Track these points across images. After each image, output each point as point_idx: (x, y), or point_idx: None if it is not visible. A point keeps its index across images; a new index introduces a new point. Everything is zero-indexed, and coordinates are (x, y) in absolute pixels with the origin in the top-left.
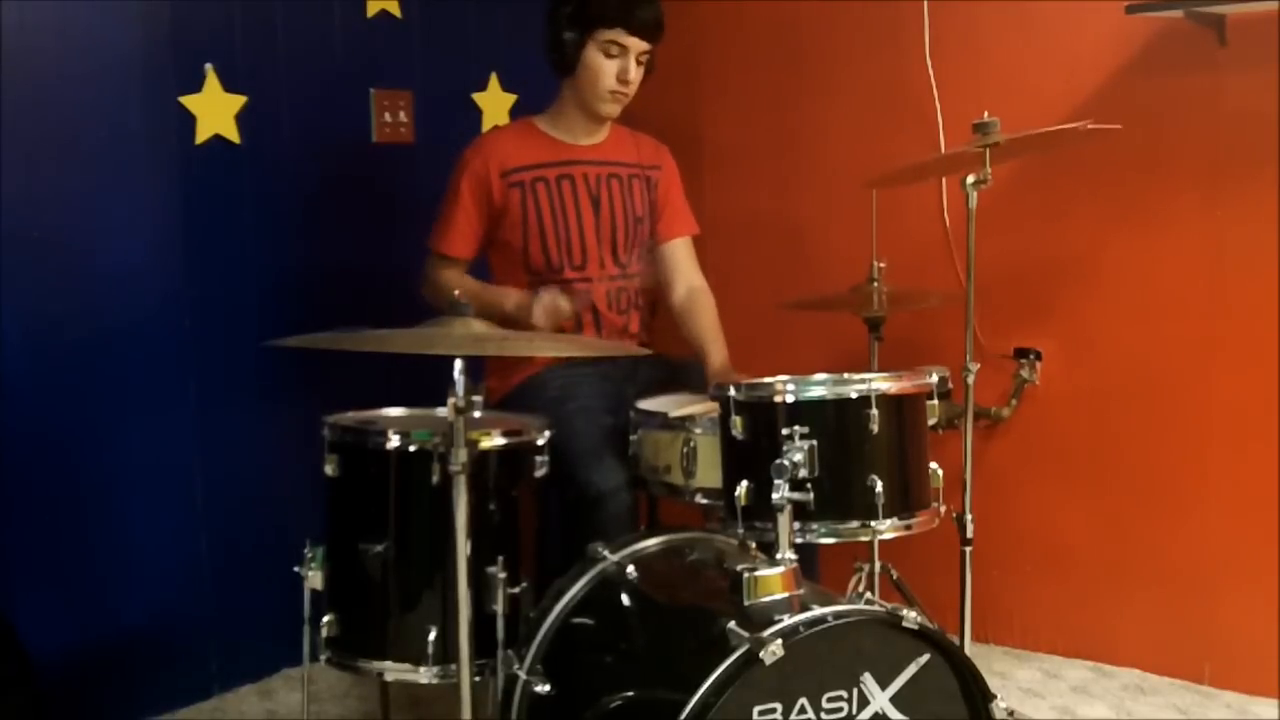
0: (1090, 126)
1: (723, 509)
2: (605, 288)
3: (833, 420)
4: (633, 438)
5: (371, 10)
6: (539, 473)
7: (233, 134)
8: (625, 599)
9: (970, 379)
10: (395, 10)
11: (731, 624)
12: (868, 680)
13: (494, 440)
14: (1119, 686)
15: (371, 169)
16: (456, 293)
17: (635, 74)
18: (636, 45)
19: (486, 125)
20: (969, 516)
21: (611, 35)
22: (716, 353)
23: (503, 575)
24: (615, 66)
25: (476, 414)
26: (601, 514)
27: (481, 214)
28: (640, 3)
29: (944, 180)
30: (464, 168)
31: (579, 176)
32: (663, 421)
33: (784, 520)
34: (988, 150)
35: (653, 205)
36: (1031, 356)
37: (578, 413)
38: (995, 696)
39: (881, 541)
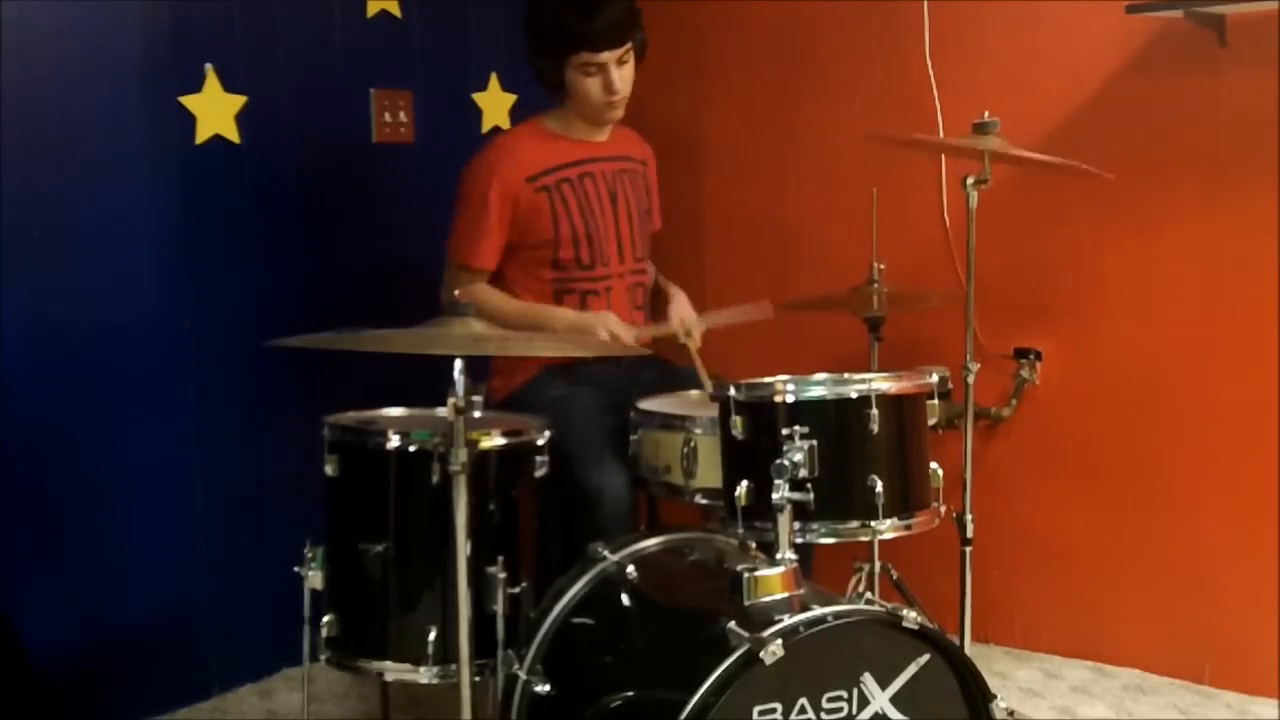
0: (1084, 168)
1: (723, 509)
2: (626, 283)
3: (833, 420)
4: (633, 438)
5: (371, 10)
6: (539, 473)
7: (233, 134)
8: (625, 599)
9: (970, 379)
10: (395, 10)
11: (731, 624)
12: (868, 680)
13: (494, 440)
14: (1119, 686)
15: (371, 169)
16: (457, 292)
17: (620, 80)
18: (610, 56)
19: (486, 125)
20: (969, 516)
21: (583, 58)
22: (677, 289)
23: (503, 575)
24: (598, 83)
25: (476, 414)
26: (601, 514)
27: (508, 223)
28: (596, 17)
29: (944, 180)
30: (488, 176)
31: (597, 173)
32: (663, 421)
33: (784, 520)
34: (987, 151)
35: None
36: (1031, 356)
37: (579, 413)
38: (995, 696)
39: (881, 541)
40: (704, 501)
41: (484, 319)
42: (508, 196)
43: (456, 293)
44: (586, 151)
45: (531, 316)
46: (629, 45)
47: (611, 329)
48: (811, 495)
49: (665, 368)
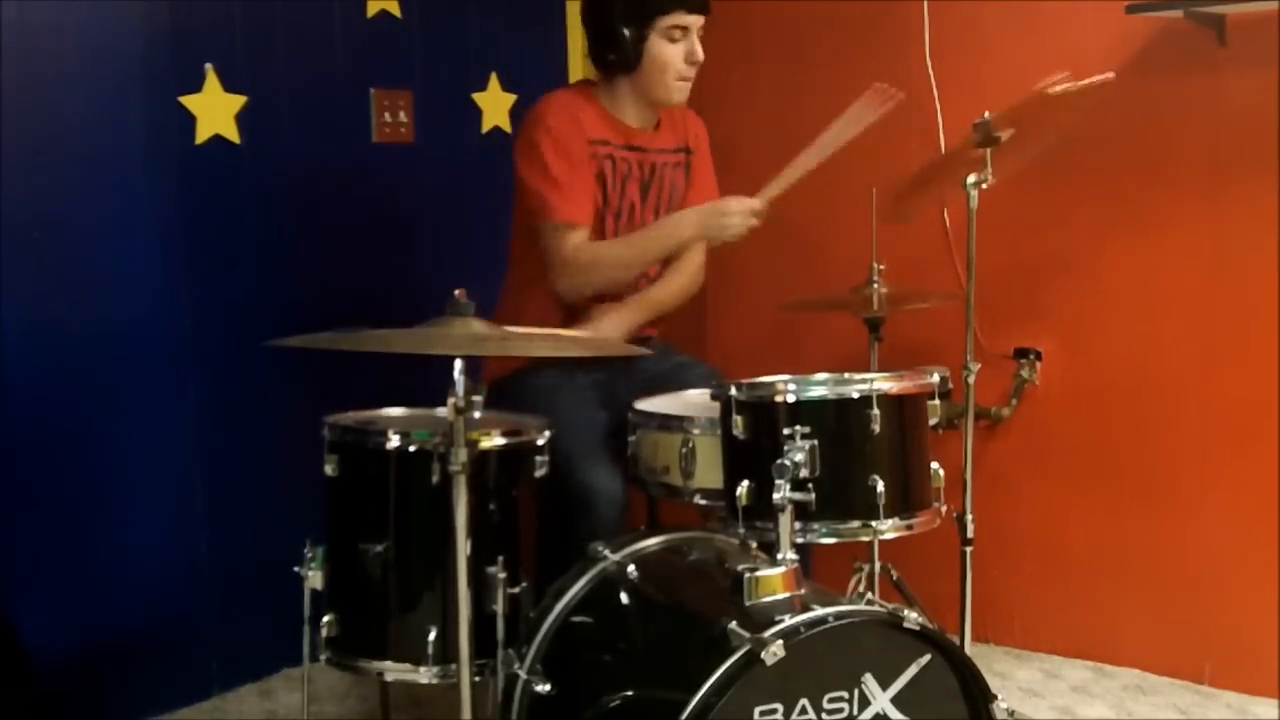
0: (1084, 83)
1: (722, 509)
2: (639, 280)
3: (834, 420)
4: (631, 438)
5: (371, 10)
6: (539, 473)
7: (233, 134)
8: (625, 599)
9: (970, 379)
10: (395, 10)
11: (732, 624)
12: (869, 680)
13: (494, 440)
14: (1119, 686)
15: (371, 169)
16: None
17: (700, 51)
18: (697, 21)
19: (486, 125)
20: (969, 516)
21: (673, 20)
22: (611, 318)
23: (503, 575)
24: (682, 50)
25: (476, 414)
26: (595, 512)
27: (593, 172)
28: None
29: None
30: (561, 128)
31: (635, 163)
32: (661, 422)
33: (785, 520)
34: (988, 150)
35: (686, 187)
36: (1031, 356)
37: (569, 410)
38: (995, 696)
39: (882, 541)
40: (702, 502)
41: (612, 271)
42: (585, 147)
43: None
44: (634, 138)
45: (655, 236)
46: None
47: (737, 210)
48: (812, 495)
49: (657, 364)
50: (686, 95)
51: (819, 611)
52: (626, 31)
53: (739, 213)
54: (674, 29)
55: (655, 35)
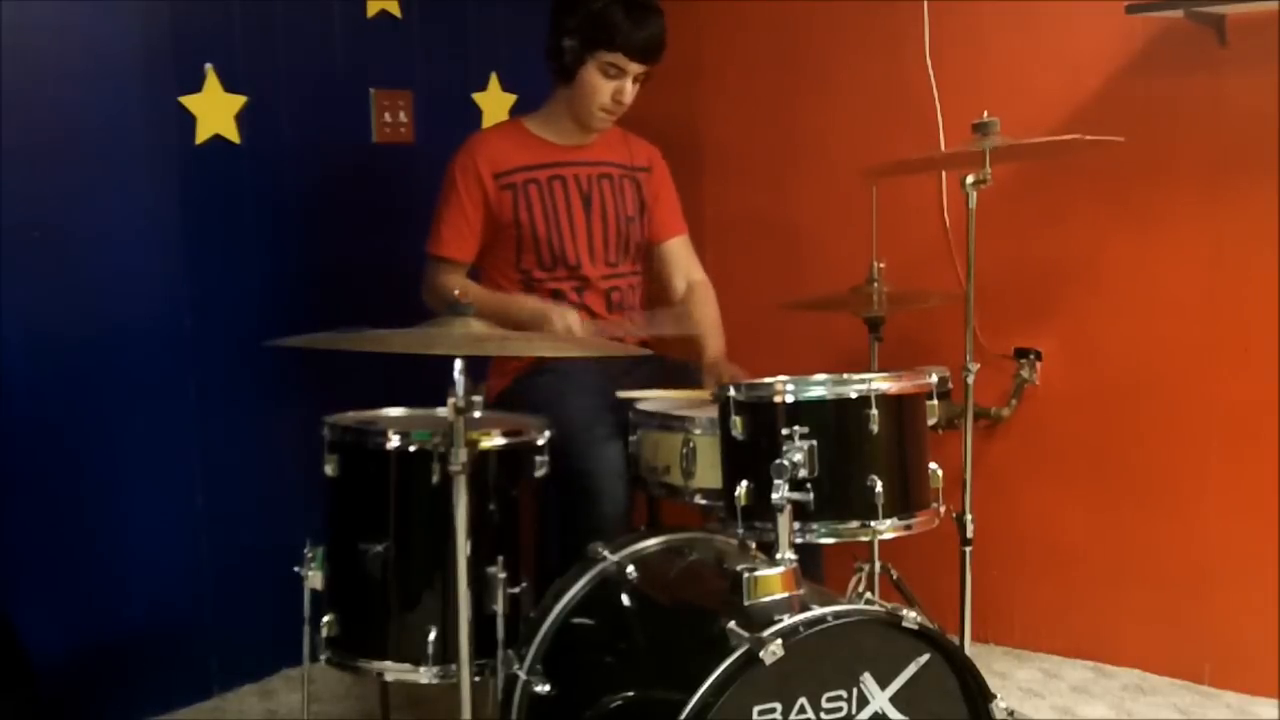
0: (1088, 139)
1: (722, 509)
2: (602, 287)
3: (833, 420)
4: (632, 438)
5: (371, 10)
6: (539, 473)
7: (233, 134)
8: (625, 599)
9: (970, 379)
10: (395, 10)
11: (731, 624)
12: (867, 680)
13: (494, 440)
14: (1119, 686)
15: (371, 169)
16: (456, 292)
17: (630, 94)
18: (636, 68)
19: (486, 125)
20: (969, 516)
21: (613, 59)
22: (713, 344)
23: (503, 575)
24: (612, 87)
25: (476, 414)
26: (599, 509)
27: (480, 215)
28: (645, 26)
29: (944, 180)
30: (458, 169)
31: (570, 177)
32: (661, 422)
33: (784, 520)
34: (987, 151)
35: (643, 206)
36: (1031, 356)
37: (574, 409)
38: (995, 696)
39: (881, 541)
40: (703, 502)
41: (440, 306)
42: (477, 189)
43: (454, 290)
44: (563, 155)
45: (495, 304)
46: (650, 68)
47: (568, 323)
48: (811, 495)
49: (661, 363)
50: (609, 125)
51: (817, 611)
52: (568, 46)
53: (562, 330)
54: (611, 66)
55: (593, 63)
